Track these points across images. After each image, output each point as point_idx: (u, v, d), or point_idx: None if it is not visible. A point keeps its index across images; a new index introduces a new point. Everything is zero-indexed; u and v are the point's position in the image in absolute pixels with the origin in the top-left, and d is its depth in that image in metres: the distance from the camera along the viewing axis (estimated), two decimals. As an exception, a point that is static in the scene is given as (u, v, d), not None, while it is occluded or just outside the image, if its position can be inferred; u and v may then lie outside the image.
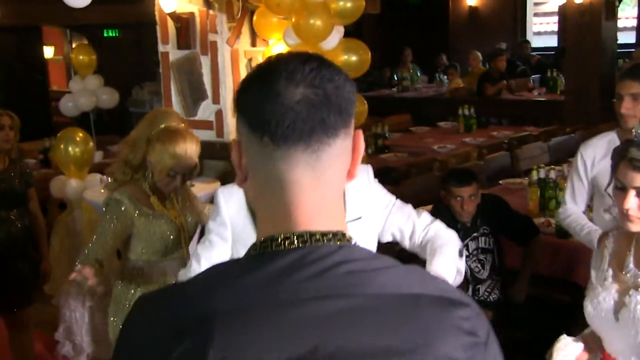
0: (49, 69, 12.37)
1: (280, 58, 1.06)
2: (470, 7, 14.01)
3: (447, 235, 2.48)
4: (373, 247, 2.42)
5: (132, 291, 3.10)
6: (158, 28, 4.77)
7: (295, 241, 1.01)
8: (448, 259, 2.36)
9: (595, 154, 3.22)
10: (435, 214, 3.94)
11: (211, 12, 4.44)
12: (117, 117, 10.58)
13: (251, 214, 2.33)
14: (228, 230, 2.42)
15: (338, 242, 1.03)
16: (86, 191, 4.72)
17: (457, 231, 3.77)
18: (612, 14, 8.79)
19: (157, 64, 13.77)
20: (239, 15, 4.44)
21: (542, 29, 14.93)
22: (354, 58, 4.08)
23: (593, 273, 2.39)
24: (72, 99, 6.61)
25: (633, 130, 2.87)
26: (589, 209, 3.46)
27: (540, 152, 7.15)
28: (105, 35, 13.21)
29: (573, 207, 3.34)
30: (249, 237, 2.35)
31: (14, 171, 4.12)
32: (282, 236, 1.02)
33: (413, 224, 2.47)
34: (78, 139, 5.12)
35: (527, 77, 10.65)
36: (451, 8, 14.24)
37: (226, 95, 4.49)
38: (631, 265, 2.24)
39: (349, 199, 2.36)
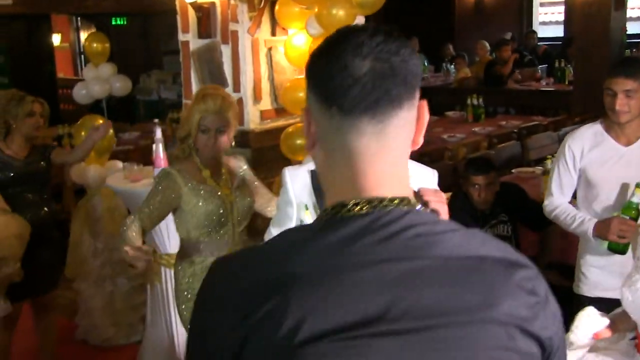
0: (55, 57, 12.41)
1: (348, 31, 1.11)
2: (476, -3, 14.08)
3: None
4: None
5: (184, 270, 3.24)
6: (178, 17, 4.82)
7: (365, 206, 1.07)
8: None
9: (584, 145, 3.27)
10: (454, 202, 4.06)
11: (232, 1, 4.50)
12: (125, 105, 10.66)
13: (314, 188, 2.43)
14: (294, 208, 2.53)
15: (405, 207, 1.08)
16: (109, 177, 4.78)
17: (476, 219, 3.88)
18: (621, 4, 8.83)
19: (164, 53, 13.78)
20: (262, 4, 4.50)
21: (548, 19, 14.96)
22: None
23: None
24: (86, 86, 6.65)
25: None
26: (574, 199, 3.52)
27: (550, 142, 7.23)
28: (113, 23, 13.26)
29: (560, 198, 3.38)
30: (310, 215, 2.47)
31: (37, 155, 4.21)
32: (352, 202, 1.07)
33: None
34: (99, 126, 5.18)
35: (534, 67, 10.72)
36: (457, -2, 14.29)
37: (246, 84, 4.56)
38: None
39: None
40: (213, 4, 4.59)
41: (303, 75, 4.20)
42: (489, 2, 13.87)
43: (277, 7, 4.22)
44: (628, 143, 3.23)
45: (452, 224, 1.10)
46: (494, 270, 1.06)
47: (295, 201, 2.52)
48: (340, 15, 3.89)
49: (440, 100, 10.02)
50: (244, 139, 4.53)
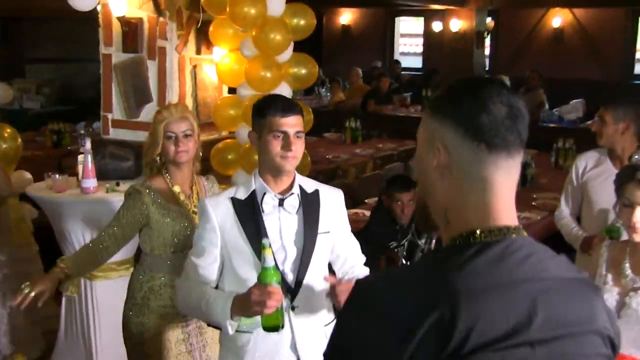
0: None
1: (483, 80, 1.35)
2: (343, 25, 14.72)
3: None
4: (327, 259, 2.74)
5: (141, 283, 3.23)
6: (101, 30, 4.86)
7: (496, 234, 1.25)
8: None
9: (587, 164, 3.87)
10: (376, 215, 4.40)
11: (161, 19, 4.62)
12: (-21, 114, 10.21)
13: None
14: (218, 236, 2.58)
15: (521, 235, 1.28)
16: (30, 187, 4.72)
17: (396, 232, 4.24)
18: (482, 43, 9.70)
19: (27, 61, 13.16)
20: (189, 24, 4.66)
21: (407, 50, 15.85)
22: (303, 71, 4.42)
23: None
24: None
25: (632, 158, 3.52)
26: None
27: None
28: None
29: (566, 210, 3.97)
30: (237, 240, 2.57)
31: None
32: (487, 229, 1.26)
33: (356, 260, 2.82)
34: (6, 135, 5.08)
35: (401, 95, 11.41)
36: (325, 25, 14.85)
37: (172, 99, 4.67)
38: (628, 271, 2.76)
39: (324, 213, 2.67)
40: (141, 19, 4.68)
41: (231, 94, 4.44)
42: (356, 30, 14.57)
43: (211, 28, 4.40)
44: (622, 165, 3.73)
45: (548, 249, 1.30)
46: (588, 290, 1.32)
47: (218, 228, 2.59)
48: (278, 39, 4.14)
49: (316, 122, 10.41)
50: (168, 153, 4.64)
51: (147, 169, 3.29)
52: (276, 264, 2.47)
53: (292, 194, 2.61)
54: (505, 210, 1.29)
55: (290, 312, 2.58)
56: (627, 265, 2.79)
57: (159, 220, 3.15)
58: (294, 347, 2.61)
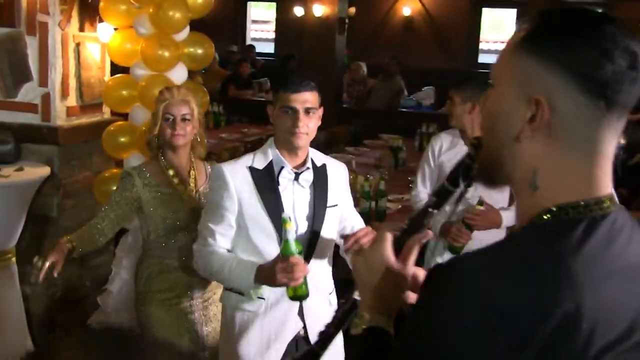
0: None
1: (588, 13, 1.09)
2: (195, 8, 14.40)
3: None
4: (335, 230, 2.80)
5: (142, 271, 3.23)
6: (-29, 2, 4.45)
7: (602, 206, 1.07)
8: None
9: (443, 144, 3.94)
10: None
11: (42, -8, 4.30)
12: None
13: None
14: (235, 203, 2.62)
15: (618, 205, 1.12)
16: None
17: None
18: (343, 29, 9.82)
19: None
20: (72, -2, 4.37)
21: (259, 36, 15.81)
22: (199, 51, 4.27)
23: None
24: None
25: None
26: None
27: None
28: None
29: (423, 191, 4.00)
30: (255, 209, 2.61)
31: None
32: (592, 201, 1.07)
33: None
34: None
35: (259, 80, 11.35)
36: (176, 7, 14.47)
37: (55, 79, 4.37)
38: None
39: (331, 186, 2.72)
40: (18, -8, 4.33)
41: (123, 73, 4.21)
42: (207, 15, 14.28)
43: (101, 4, 4.14)
44: None
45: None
46: None
47: (237, 196, 2.61)
48: (177, 17, 3.98)
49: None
50: (51, 136, 4.35)
51: (147, 150, 3.31)
52: None
53: (307, 168, 2.66)
54: (605, 177, 1.10)
55: None
56: None
57: (150, 202, 3.13)
58: (301, 314, 2.70)
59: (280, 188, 2.63)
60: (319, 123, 2.68)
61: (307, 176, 2.66)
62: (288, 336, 2.72)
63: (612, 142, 1.09)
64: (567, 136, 1.08)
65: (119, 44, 4.19)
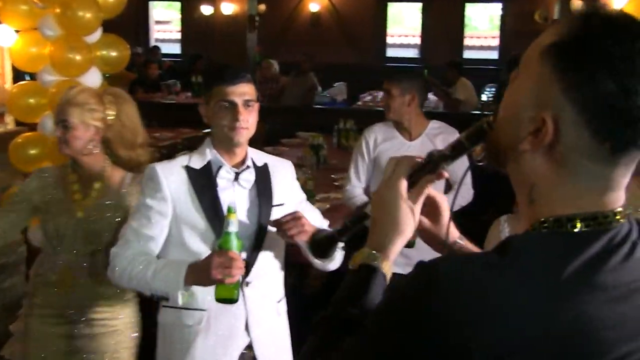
0: None
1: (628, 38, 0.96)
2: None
3: None
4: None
5: (30, 280, 3.00)
6: None
7: (600, 221, 1.00)
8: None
9: (377, 136, 3.83)
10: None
11: None
12: None
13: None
14: (169, 206, 2.43)
15: (629, 216, 1.04)
16: None
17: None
18: (253, 27, 9.60)
19: None
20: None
21: (163, 37, 15.40)
22: (114, 54, 4.00)
23: None
24: None
25: None
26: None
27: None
28: None
29: (358, 185, 3.88)
30: (192, 212, 2.43)
31: None
32: (589, 215, 1.00)
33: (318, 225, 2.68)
34: None
35: (167, 82, 11.01)
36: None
37: (-48, 88, 4.01)
38: None
39: (276, 185, 2.53)
40: None
41: (29, 79, 3.89)
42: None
43: (0, 4, 3.81)
44: (411, 138, 3.86)
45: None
46: None
47: (170, 198, 2.44)
48: (88, 17, 3.70)
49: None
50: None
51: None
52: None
53: (247, 167, 2.50)
54: (612, 194, 1.02)
55: (245, 288, 2.46)
56: None
57: (39, 206, 2.87)
58: (247, 328, 2.50)
59: (219, 189, 2.47)
60: (257, 118, 2.50)
61: (248, 176, 2.51)
62: (235, 353, 2.51)
63: (623, 176, 1.01)
64: (567, 164, 1.00)
65: (22, 47, 3.87)
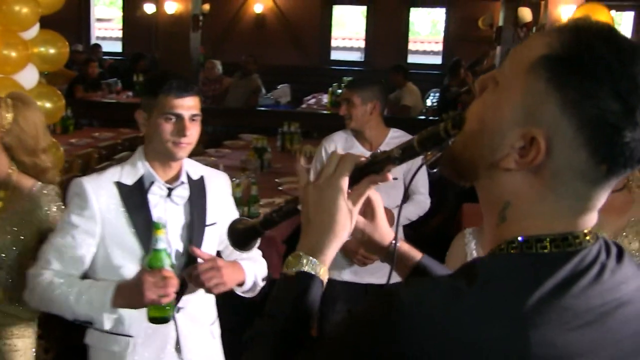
0: None
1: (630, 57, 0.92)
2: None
3: (258, 257, 2.58)
4: (215, 252, 2.48)
5: None
6: None
7: (570, 242, 0.96)
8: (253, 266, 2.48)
9: (337, 146, 3.75)
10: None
11: None
12: None
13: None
14: (97, 225, 2.26)
15: (596, 241, 1.00)
16: None
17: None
18: (197, 27, 9.46)
19: None
20: None
21: (104, 34, 15.10)
22: (52, 51, 3.87)
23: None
24: None
25: None
26: None
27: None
28: None
29: None
30: (122, 231, 2.26)
31: None
32: (558, 236, 0.96)
33: None
34: None
35: (107, 80, 10.79)
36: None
37: None
38: None
39: (211, 201, 2.43)
40: None
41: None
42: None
43: None
44: (372, 148, 3.76)
45: (616, 247, 1.03)
46: None
47: (99, 216, 2.26)
48: (25, 13, 3.58)
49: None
50: None
51: None
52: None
53: (181, 183, 2.35)
54: (584, 216, 0.98)
55: (176, 313, 2.30)
56: None
57: None
58: (178, 350, 2.36)
59: (151, 206, 2.31)
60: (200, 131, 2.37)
61: (182, 192, 2.35)
62: None
63: (604, 196, 0.98)
64: (554, 184, 0.95)
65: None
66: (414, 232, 4.30)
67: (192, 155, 2.43)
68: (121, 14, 14.53)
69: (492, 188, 1.01)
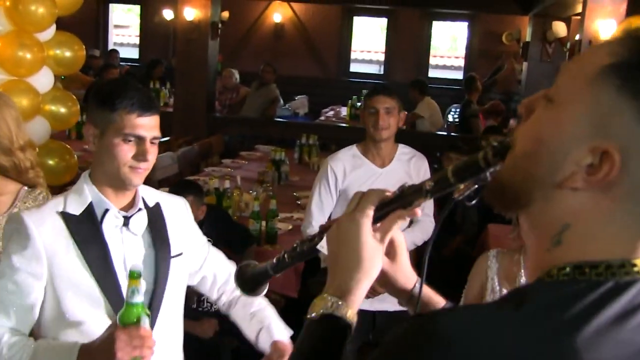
0: None
1: None
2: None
3: (260, 299, 2.28)
4: (184, 288, 2.20)
5: None
6: None
7: (635, 268, 0.87)
8: (281, 323, 2.25)
9: (345, 166, 3.46)
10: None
11: None
12: None
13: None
14: (43, 265, 1.92)
15: None
16: None
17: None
18: (216, 34, 9.32)
19: None
20: None
21: (121, 41, 15.02)
22: (68, 53, 3.70)
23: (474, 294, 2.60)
24: None
25: None
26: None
27: (171, 162, 7.25)
28: None
29: (319, 219, 3.47)
30: (74, 269, 1.94)
31: None
32: (624, 262, 0.87)
33: (229, 274, 2.28)
34: None
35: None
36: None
37: None
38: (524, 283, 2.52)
39: (172, 229, 2.14)
40: None
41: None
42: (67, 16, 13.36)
43: (-56, -6, 3.49)
44: (383, 165, 3.49)
45: None
46: None
47: (44, 254, 1.92)
48: (41, 13, 3.41)
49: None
50: None
51: None
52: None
53: (139, 209, 2.03)
54: None
55: None
56: (522, 278, 2.54)
57: None
58: None
59: (106, 237, 1.99)
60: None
61: (140, 220, 2.04)
62: None
63: None
64: (627, 203, 0.86)
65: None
66: (436, 253, 4.11)
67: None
68: (138, 20, 14.45)
69: (547, 210, 0.91)
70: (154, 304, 2.03)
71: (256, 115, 9.58)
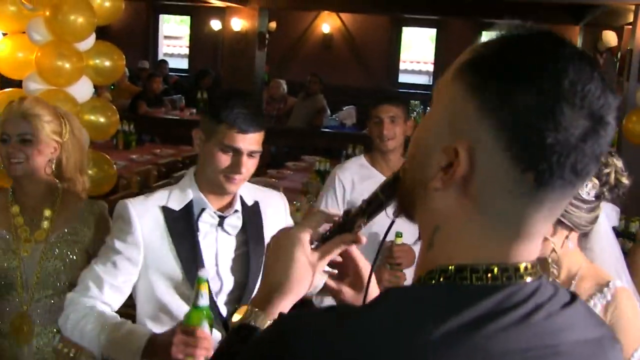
0: None
1: (577, 66, 0.80)
2: (103, 20, 13.64)
3: None
4: None
5: None
6: None
7: (504, 274, 0.85)
8: None
9: (353, 177, 3.32)
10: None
11: None
12: None
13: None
14: (140, 253, 2.09)
15: (537, 275, 0.88)
16: None
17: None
18: (263, 45, 9.33)
19: None
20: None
21: (172, 51, 15.17)
22: (107, 63, 3.68)
23: None
24: None
25: None
26: None
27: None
28: None
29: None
30: (166, 260, 2.09)
31: None
32: (485, 267, 0.85)
33: None
34: None
35: (171, 97, 10.74)
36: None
37: None
38: None
39: (268, 227, 2.22)
40: None
41: (13, 87, 3.57)
42: (117, 27, 13.54)
43: (-13, 5, 3.50)
44: None
45: (565, 293, 0.90)
46: (612, 350, 0.92)
47: (142, 243, 2.09)
48: (80, 22, 3.40)
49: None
50: None
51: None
52: (211, 299, 2.00)
53: (235, 211, 2.17)
54: (522, 247, 0.86)
55: None
56: None
57: None
58: None
59: (200, 235, 2.13)
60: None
61: (235, 221, 2.17)
62: None
63: (542, 223, 0.85)
64: (481, 202, 0.84)
65: (9, 52, 3.56)
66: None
67: (253, 175, 2.20)
68: (189, 31, 14.57)
69: (423, 213, 0.91)
70: (244, 297, 2.14)
71: (302, 126, 9.53)
